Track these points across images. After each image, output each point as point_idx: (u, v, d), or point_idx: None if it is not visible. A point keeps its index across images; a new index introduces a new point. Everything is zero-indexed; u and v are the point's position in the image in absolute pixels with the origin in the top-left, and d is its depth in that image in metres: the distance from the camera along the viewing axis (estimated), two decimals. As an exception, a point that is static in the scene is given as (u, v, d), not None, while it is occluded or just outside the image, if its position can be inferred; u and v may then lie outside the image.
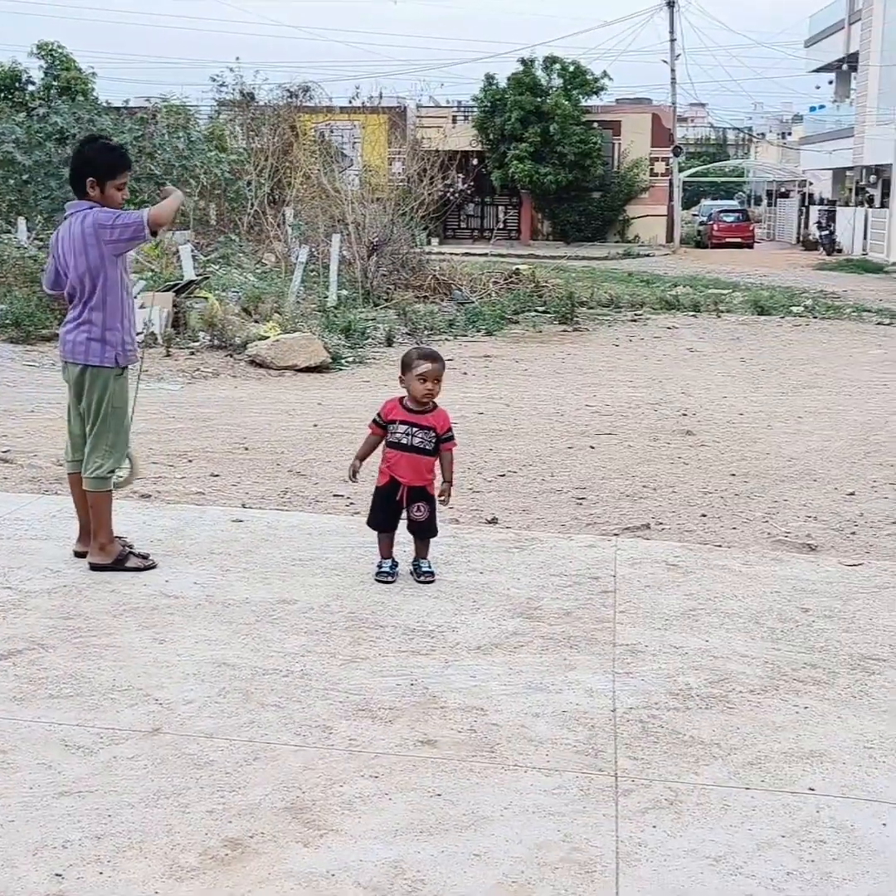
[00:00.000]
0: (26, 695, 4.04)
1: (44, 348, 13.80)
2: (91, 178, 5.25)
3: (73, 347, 5.36)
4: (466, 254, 30.00)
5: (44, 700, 4.00)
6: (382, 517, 5.44)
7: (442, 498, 5.42)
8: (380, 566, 5.40)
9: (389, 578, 5.34)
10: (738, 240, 48.11)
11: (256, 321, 15.15)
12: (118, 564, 5.34)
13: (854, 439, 9.88)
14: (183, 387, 11.89)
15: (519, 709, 4.02)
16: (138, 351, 5.56)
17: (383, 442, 5.42)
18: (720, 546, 6.36)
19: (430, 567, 5.40)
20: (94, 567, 5.34)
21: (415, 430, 5.35)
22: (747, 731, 3.89)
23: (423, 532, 5.45)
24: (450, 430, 5.43)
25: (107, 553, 5.35)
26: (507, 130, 44.02)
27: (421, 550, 5.46)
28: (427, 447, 5.36)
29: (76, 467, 5.51)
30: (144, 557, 5.45)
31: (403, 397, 5.43)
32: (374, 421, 5.44)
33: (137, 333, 15.25)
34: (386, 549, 5.45)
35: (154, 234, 5.38)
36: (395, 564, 5.42)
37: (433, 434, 5.36)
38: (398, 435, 5.35)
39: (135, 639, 4.57)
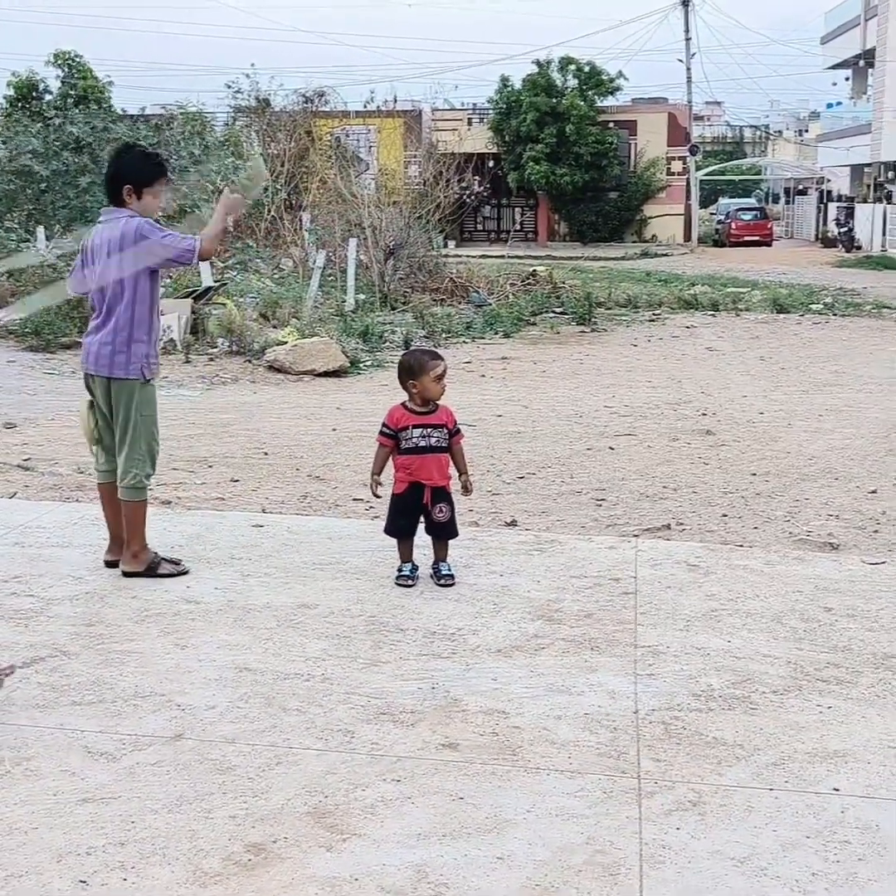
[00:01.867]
0: (49, 702, 4.05)
1: (63, 356, 13.87)
2: (128, 186, 5.24)
3: (96, 359, 5.35)
4: (483, 256, 29.97)
5: (67, 707, 4.01)
6: (404, 524, 5.44)
7: (465, 490, 5.46)
8: (400, 570, 5.40)
9: (410, 582, 5.34)
10: (757, 238, 47.93)
11: (274, 326, 15.19)
12: (150, 571, 5.39)
13: (875, 437, 9.83)
14: (202, 393, 11.92)
15: (541, 711, 4.01)
16: (160, 363, 5.58)
17: (395, 451, 5.42)
18: (741, 546, 6.33)
19: (450, 570, 5.40)
20: (127, 574, 5.39)
21: (430, 430, 5.37)
22: (771, 732, 3.87)
23: (446, 533, 5.45)
24: (456, 423, 5.50)
25: (140, 560, 5.40)
26: (522, 132, 43.99)
27: (441, 553, 5.45)
28: (443, 444, 5.40)
29: (106, 477, 5.54)
30: (176, 563, 5.49)
31: (404, 402, 5.44)
32: (383, 433, 5.43)
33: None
34: (406, 553, 5.45)
35: (201, 260, 5.42)
36: (415, 568, 5.42)
37: (445, 431, 5.39)
38: (414, 439, 5.36)
39: (157, 645, 4.58)
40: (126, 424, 5.36)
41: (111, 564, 5.53)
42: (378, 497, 5.53)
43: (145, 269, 5.24)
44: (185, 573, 5.44)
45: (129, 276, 5.24)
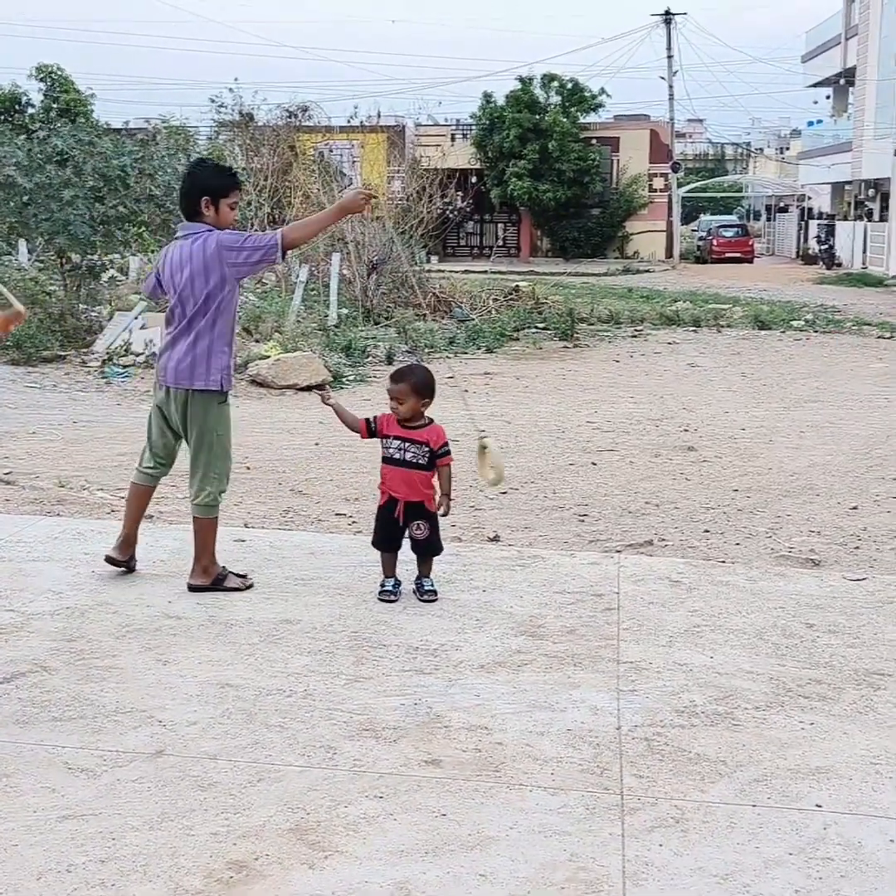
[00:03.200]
0: (29, 718, 4.03)
1: (45, 370, 13.82)
2: (206, 198, 5.32)
3: (176, 373, 5.36)
4: (466, 271, 30.02)
5: (47, 723, 3.99)
6: (384, 537, 5.44)
7: (440, 511, 5.43)
8: (383, 585, 5.40)
9: (392, 597, 5.33)
10: (738, 255, 48.19)
11: (257, 340, 15.17)
12: (216, 584, 5.42)
13: (856, 453, 9.87)
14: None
15: (523, 727, 4.00)
16: (234, 379, 5.63)
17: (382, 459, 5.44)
18: (724, 562, 6.35)
19: (432, 585, 5.39)
20: (193, 588, 5.40)
21: (407, 444, 5.36)
22: (753, 748, 3.88)
23: (426, 550, 5.45)
24: (445, 444, 5.42)
25: (208, 574, 5.44)
26: (505, 148, 44.16)
27: (424, 569, 5.45)
28: (420, 462, 5.36)
29: (144, 480, 5.59)
30: (244, 577, 5.52)
31: None
32: (367, 421, 5.46)
33: (138, 354, 15.17)
34: (389, 568, 5.44)
35: (284, 255, 5.42)
36: (397, 583, 5.42)
37: (427, 449, 5.35)
38: (391, 450, 5.37)
39: (138, 660, 4.56)
40: (201, 443, 5.40)
41: (112, 561, 5.55)
42: (321, 393, 5.65)
43: (225, 282, 5.28)
44: (250, 587, 5.47)
45: (214, 290, 5.27)
